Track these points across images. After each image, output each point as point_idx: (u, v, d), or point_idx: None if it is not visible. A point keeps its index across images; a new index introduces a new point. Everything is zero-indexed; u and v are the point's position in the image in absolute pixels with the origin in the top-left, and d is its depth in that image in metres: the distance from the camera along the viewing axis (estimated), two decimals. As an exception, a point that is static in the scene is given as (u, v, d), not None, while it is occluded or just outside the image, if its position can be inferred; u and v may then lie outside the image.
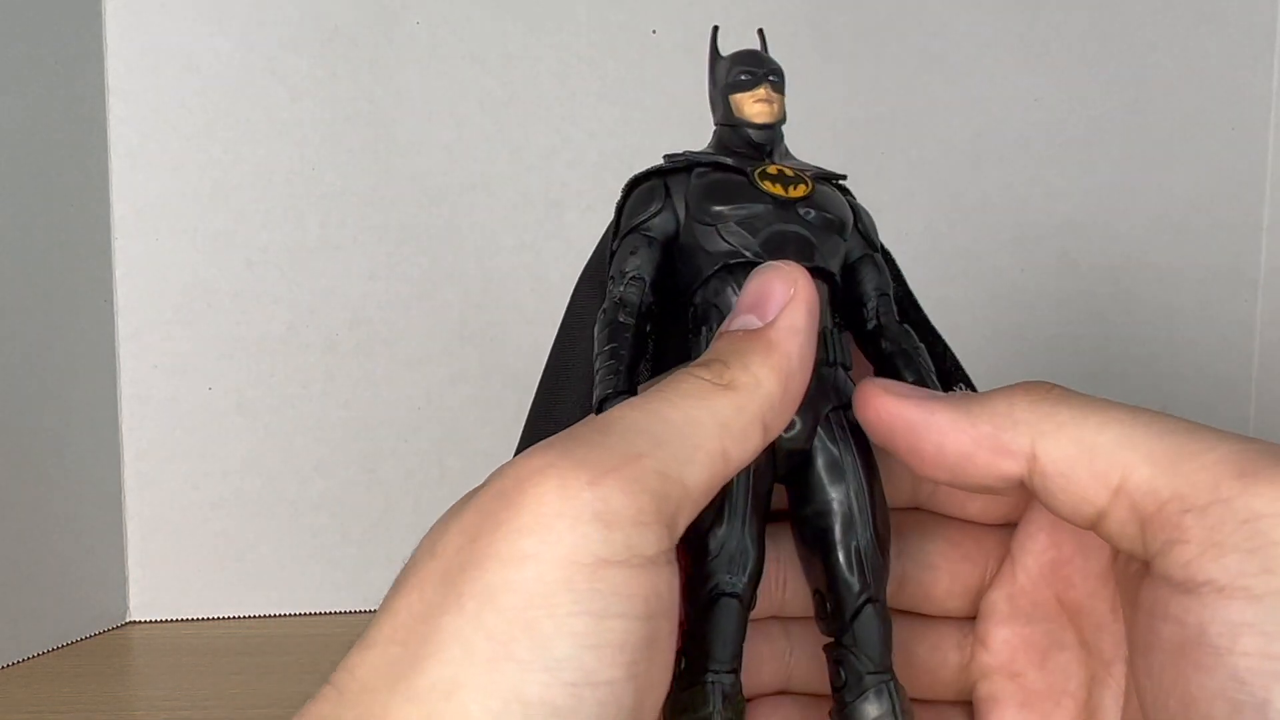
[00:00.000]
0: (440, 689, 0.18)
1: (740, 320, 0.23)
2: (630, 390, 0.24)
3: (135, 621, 0.61)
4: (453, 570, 0.19)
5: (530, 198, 0.62)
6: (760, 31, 0.29)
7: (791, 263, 0.23)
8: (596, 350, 0.24)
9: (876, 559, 0.24)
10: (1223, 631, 0.18)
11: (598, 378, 0.24)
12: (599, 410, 0.23)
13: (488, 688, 0.18)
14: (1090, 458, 0.20)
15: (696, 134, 0.65)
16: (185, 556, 0.61)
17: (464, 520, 0.20)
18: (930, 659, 0.27)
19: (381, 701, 0.18)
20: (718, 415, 0.21)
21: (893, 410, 0.23)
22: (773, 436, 0.22)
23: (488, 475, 0.21)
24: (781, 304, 0.22)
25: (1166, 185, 0.65)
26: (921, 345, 0.26)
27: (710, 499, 0.21)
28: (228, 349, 0.61)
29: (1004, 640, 0.26)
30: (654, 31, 0.62)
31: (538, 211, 0.62)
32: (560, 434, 0.21)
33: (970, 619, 0.27)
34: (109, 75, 0.59)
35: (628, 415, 0.21)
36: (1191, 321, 0.66)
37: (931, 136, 0.64)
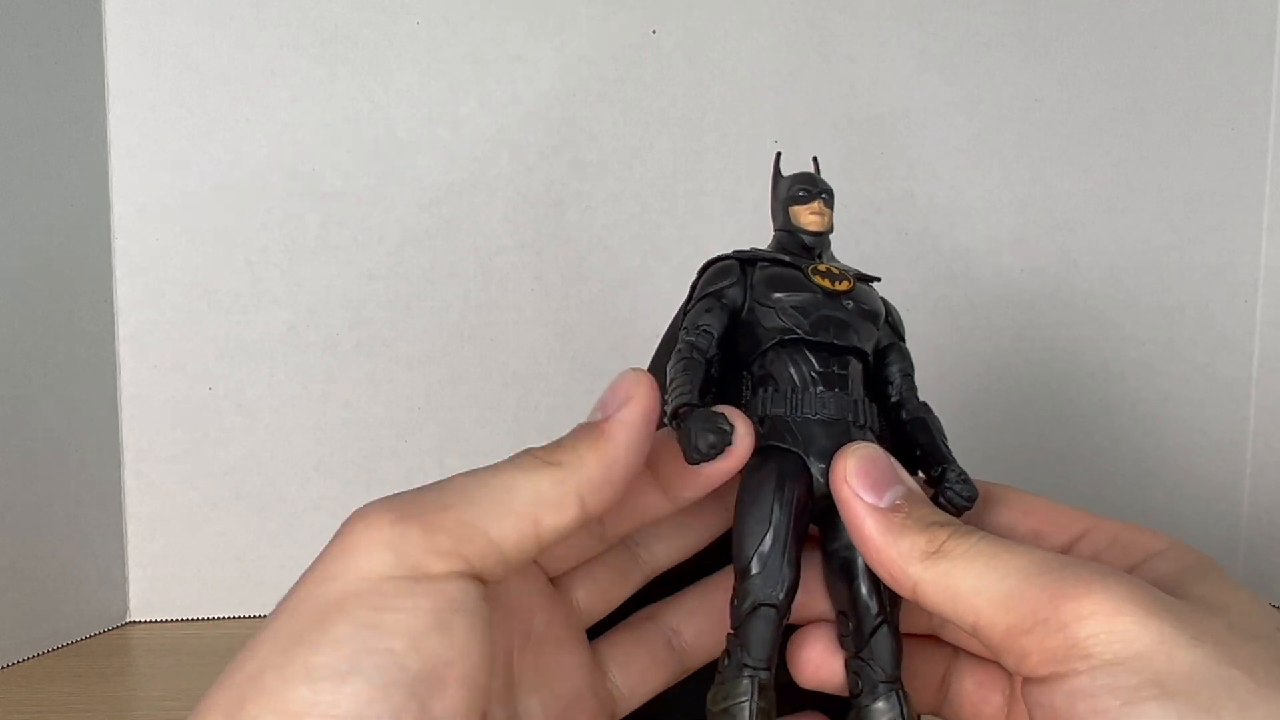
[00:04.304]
0: (247, 673, 0.22)
1: (591, 414, 0.27)
2: (699, 403, 0.28)
3: (135, 621, 0.61)
4: (286, 595, 0.24)
5: (530, 198, 0.62)
6: (815, 159, 0.34)
7: (641, 371, 0.27)
8: (670, 379, 0.28)
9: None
10: (1064, 703, 0.23)
11: (671, 396, 0.28)
12: (674, 419, 0.28)
13: (282, 667, 0.22)
14: (953, 601, 0.25)
15: (696, 133, 0.65)
16: (185, 556, 0.61)
17: (313, 561, 0.25)
18: (975, 694, 0.31)
19: (210, 694, 0.23)
20: (536, 486, 0.25)
21: (848, 497, 0.27)
22: (592, 511, 0.26)
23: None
24: (621, 403, 0.26)
25: (1166, 185, 0.65)
26: (936, 416, 0.31)
27: (525, 554, 0.25)
28: (228, 349, 0.61)
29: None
30: (654, 31, 0.62)
31: (538, 211, 0.62)
32: (402, 491, 0.25)
33: None
34: (109, 75, 0.59)
35: (458, 479, 0.25)
36: (1191, 321, 0.66)
37: (931, 136, 0.64)
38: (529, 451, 0.26)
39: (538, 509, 0.25)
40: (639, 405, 0.26)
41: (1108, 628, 0.23)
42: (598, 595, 0.30)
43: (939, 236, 0.64)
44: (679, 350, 0.29)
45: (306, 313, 0.61)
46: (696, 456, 0.27)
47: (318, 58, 0.60)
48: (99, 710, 0.51)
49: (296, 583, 0.24)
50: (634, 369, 0.27)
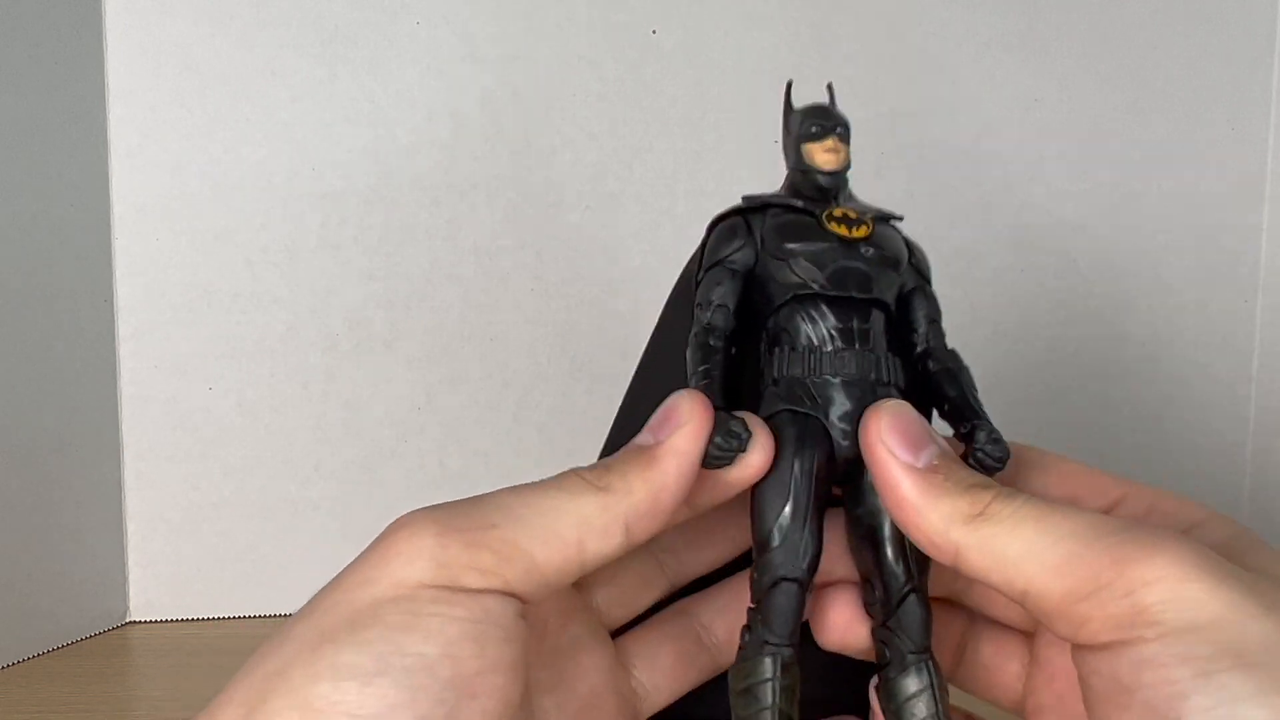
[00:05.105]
0: (270, 667, 0.22)
1: (641, 435, 0.26)
2: (722, 406, 0.26)
3: (135, 621, 0.61)
4: (317, 595, 0.24)
5: (530, 198, 0.62)
6: (829, 86, 0.33)
7: (697, 394, 0.26)
8: (690, 370, 0.27)
9: (919, 552, 0.26)
10: (1129, 672, 0.22)
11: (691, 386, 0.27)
12: None
13: (309, 663, 0.22)
14: (1001, 567, 0.24)
15: (696, 133, 0.65)
16: (185, 556, 0.61)
17: (350, 564, 0.24)
18: (991, 661, 0.30)
19: (230, 688, 0.23)
20: (581, 510, 0.24)
21: (883, 457, 0.26)
22: (637, 539, 0.25)
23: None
24: (674, 428, 0.25)
25: (1166, 185, 0.65)
26: (966, 366, 0.29)
27: (567, 578, 0.24)
28: (228, 349, 0.61)
29: (1049, 661, 0.29)
30: (654, 31, 0.62)
31: (538, 211, 0.62)
32: (446, 503, 0.25)
33: (1033, 634, 0.30)
34: (109, 75, 0.59)
35: (503, 496, 0.25)
36: (1191, 321, 0.66)
37: (931, 136, 0.64)
38: (576, 473, 0.25)
39: (583, 534, 0.24)
40: (692, 432, 0.25)
41: (1177, 594, 0.22)
42: (617, 599, 0.30)
43: (939, 237, 0.64)
44: (695, 334, 0.28)
45: (306, 313, 0.61)
46: (706, 461, 0.26)
47: (318, 58, 0.60)
48: (99, 710, 0.51)
49: (330, 583, 0.24)
50: (688, 391, 0.26)
